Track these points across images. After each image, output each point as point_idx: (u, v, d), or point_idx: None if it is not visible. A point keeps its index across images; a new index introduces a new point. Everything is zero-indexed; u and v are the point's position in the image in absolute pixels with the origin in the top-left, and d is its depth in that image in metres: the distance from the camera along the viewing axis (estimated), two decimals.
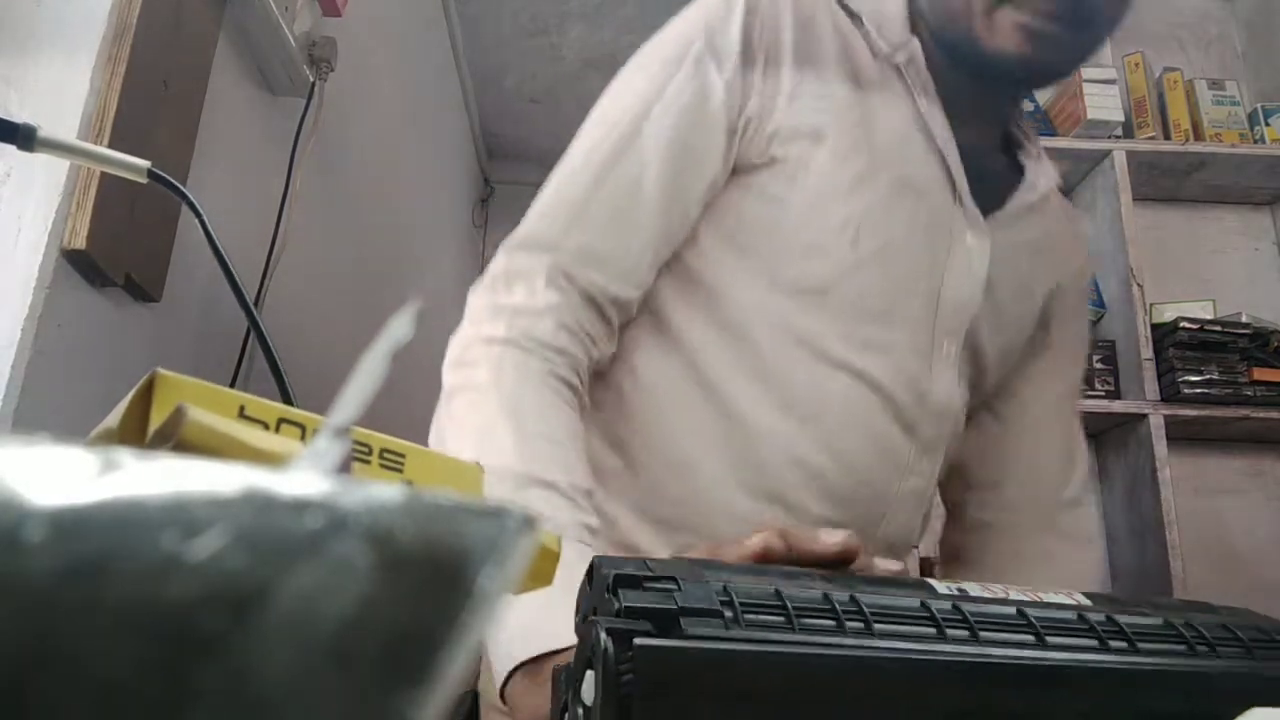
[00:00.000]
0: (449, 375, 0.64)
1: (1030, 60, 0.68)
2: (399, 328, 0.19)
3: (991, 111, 0.79)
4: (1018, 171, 0.80)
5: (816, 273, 0.69)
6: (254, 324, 0.45)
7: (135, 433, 0.22)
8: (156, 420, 0.22)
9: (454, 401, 0.63)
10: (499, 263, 0.68)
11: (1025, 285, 0.79)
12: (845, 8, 0.76)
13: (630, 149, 0.68)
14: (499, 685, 0.51)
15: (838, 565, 0.42)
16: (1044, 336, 0.84)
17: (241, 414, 0.23)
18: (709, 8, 0.72)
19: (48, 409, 0.82)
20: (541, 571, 0.21)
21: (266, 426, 0.23)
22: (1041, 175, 0.80)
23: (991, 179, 0.76)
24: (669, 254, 0.71)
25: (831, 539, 0.42)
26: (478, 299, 0.67)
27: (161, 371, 0.23)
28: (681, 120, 0.68)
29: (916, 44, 0.74)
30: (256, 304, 1.28)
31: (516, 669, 0.49)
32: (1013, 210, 0.77)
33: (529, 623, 0.49)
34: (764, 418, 0.68)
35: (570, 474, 0.58)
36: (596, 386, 0.70)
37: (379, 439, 0.24)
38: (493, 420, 0.59)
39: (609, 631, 0.28)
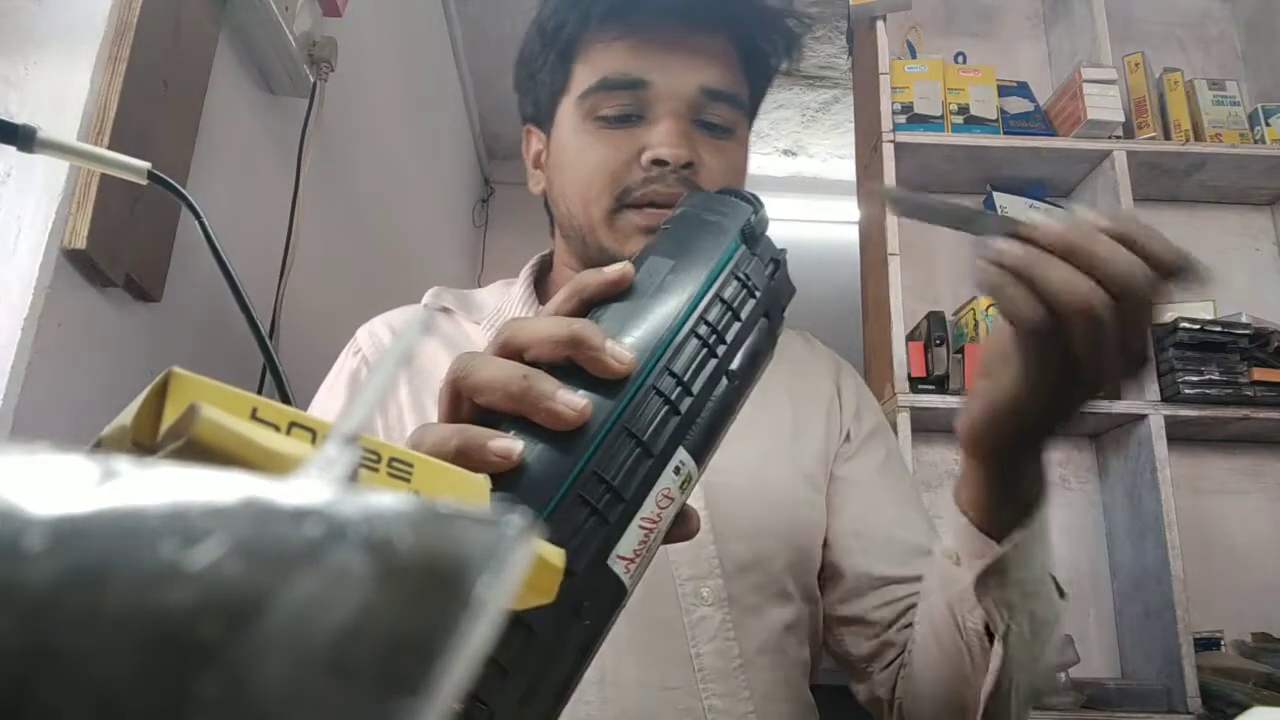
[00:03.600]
0: None
1: None
2: (408, 336, 0.19)
3: None
4: None
5: None
6: (253, 325, 0.45)
7: (148, 430, 0.22)
8: (170, 418, 0.22)
9: None
10: None
11: (773, 455, 0.75)
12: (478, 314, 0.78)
13: None
14: None
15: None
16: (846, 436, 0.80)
17: (254, 416, 0.23)
18: (326, 383, 0.75)
19: (48, 409, 0.82)
20: (540, 583, 0.21)
21: (278, 429, 0.23)
22: None
23: None
24: None
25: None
26: None
27: (177, 370, 0.23)
28: None
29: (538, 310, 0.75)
30: (275, 309, 1.29)
31: None
32: None
33: None
34: None
35: None
36: None
37: (388, 447, 0.24)
38: None
39: None
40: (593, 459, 0.33)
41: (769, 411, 0.76)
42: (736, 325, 0.39)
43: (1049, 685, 0.60)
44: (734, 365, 0.39)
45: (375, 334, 0.76)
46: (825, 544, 0.76)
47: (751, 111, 0.77)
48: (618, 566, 0.33)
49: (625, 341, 0.36)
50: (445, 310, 0.79)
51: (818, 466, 0.77)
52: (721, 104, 0.70)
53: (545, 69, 0.74)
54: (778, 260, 0.43)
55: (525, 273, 0.81)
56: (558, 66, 0.73)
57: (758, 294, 0.41)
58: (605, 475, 0.33)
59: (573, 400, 0.33)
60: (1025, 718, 0.61)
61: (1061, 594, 0.60)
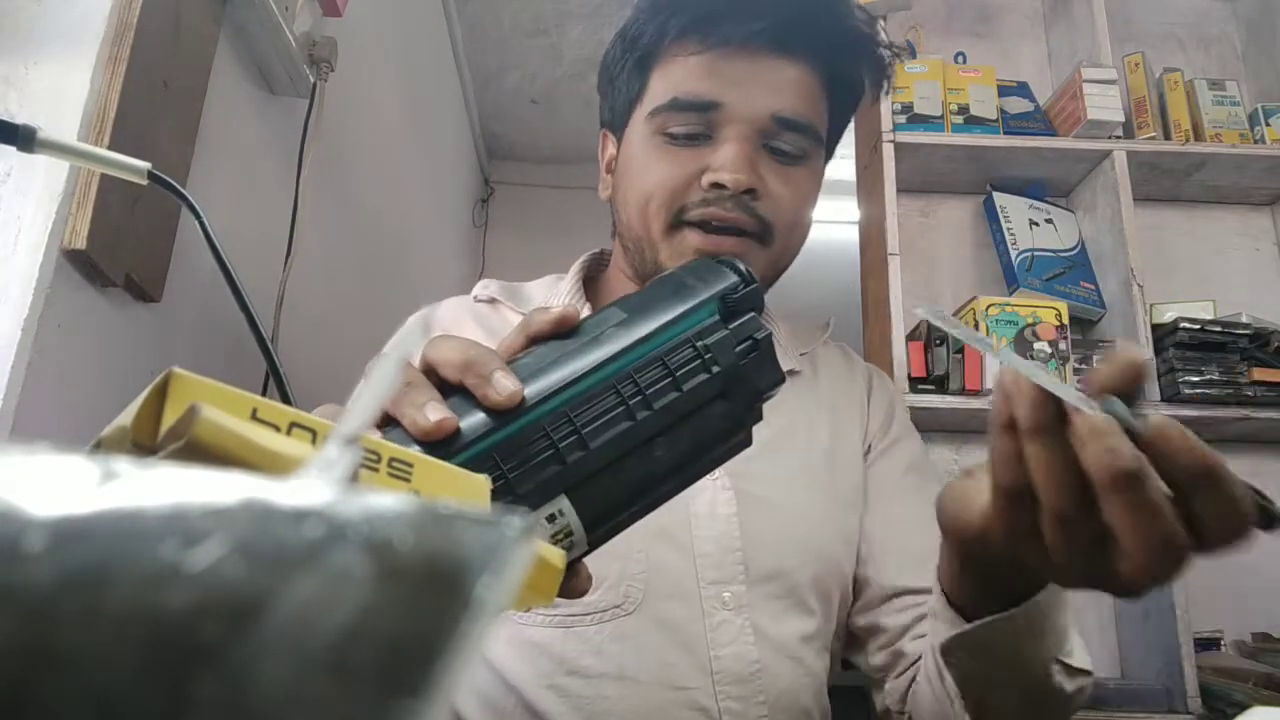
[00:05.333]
0: None
1: None
2: (409, 337, 0.19)
3: None
4: None
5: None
6: (253, 325, 0.45)
7: (148, 431, 0.22)
8: (170, 418, 0.22)
9: None
10: None
11: (804, 457, 0.74)
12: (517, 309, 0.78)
13: None
14: None
15: None
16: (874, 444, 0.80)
17: (254, 416, 0.23)
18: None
19: (48, 409, 0.82)
20: (541, 585, 0.21)
21: (278, 430, 0.23)
22: None
23: None
24: None
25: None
26: None
27: (177, 370, 0.23)
28: None
29: (587, 312, 0.74)
30: (275, 309, 1.29)
31: None
32: None
33: None
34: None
35: None
36: None
37: (388, 448, 0.24)
38: None
39: None
40: None
41: (808, 430, 0.76)
42: (673, 395, 0.36)
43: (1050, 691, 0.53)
44: (659, 435, 0.36)
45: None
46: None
47: (831, 141, 0.74)
48: None
49: (535, 381, 0.35)
50: (492, 301, 0.79)
51: (853, 485, 0.77)
52: (793, 132, 0.68)
53: (623, 76, 0.73)
54: (756, 340, 0.39)
55: (575, 269, 0.81)
56: (634, 75, 0.72)
57: (714, 369, 0.37)
58: None
59: (431, 416, 0.33)
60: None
61: (1076, 673, 0.53)
